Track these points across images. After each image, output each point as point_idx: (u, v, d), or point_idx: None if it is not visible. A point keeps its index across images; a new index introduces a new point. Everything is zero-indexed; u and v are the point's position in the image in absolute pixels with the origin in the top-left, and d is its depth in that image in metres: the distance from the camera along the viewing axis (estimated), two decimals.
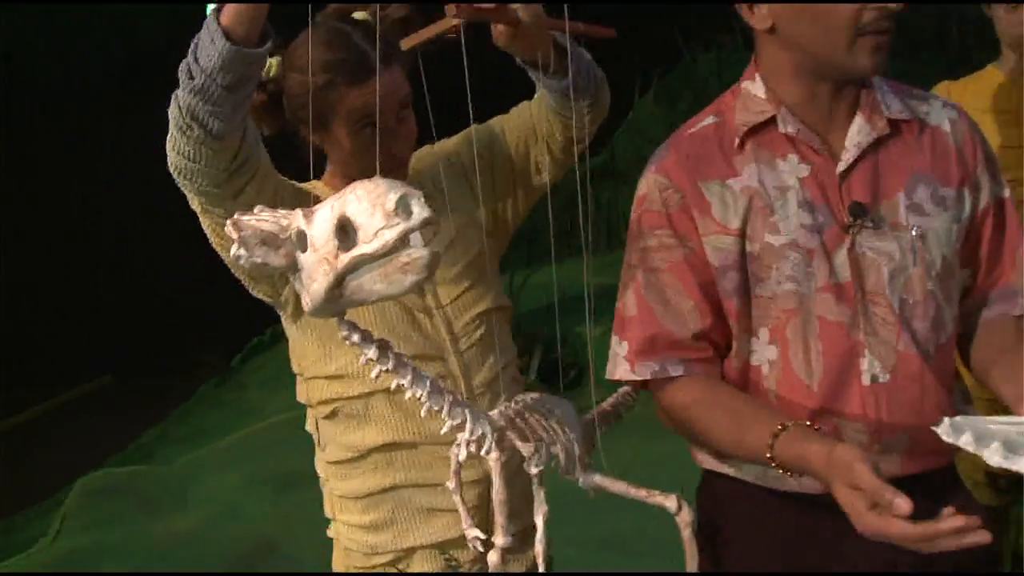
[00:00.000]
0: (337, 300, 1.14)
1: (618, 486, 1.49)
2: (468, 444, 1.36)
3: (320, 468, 1.75)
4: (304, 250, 1.14)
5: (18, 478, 4.90)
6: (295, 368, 1.72)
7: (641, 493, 1.49)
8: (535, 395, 1.50)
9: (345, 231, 1.11)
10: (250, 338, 6.24)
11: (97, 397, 6.26)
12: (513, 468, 1.39)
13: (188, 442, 5.11)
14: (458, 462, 1.41)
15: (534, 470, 1.40)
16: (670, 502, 1.48)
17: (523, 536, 1.52)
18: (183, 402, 5.79)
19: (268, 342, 6.24)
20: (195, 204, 1.54)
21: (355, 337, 1.23)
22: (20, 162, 6.47)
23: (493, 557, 1.40)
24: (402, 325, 1.63)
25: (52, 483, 4.80)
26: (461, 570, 1.69)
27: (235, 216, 1.14)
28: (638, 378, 1.52)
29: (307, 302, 1.14)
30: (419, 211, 1.07)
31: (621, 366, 1.53)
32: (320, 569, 3.47)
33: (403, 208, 1.07)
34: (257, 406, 5.49)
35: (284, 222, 1.16)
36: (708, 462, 1.58)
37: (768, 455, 1.34)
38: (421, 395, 1.29)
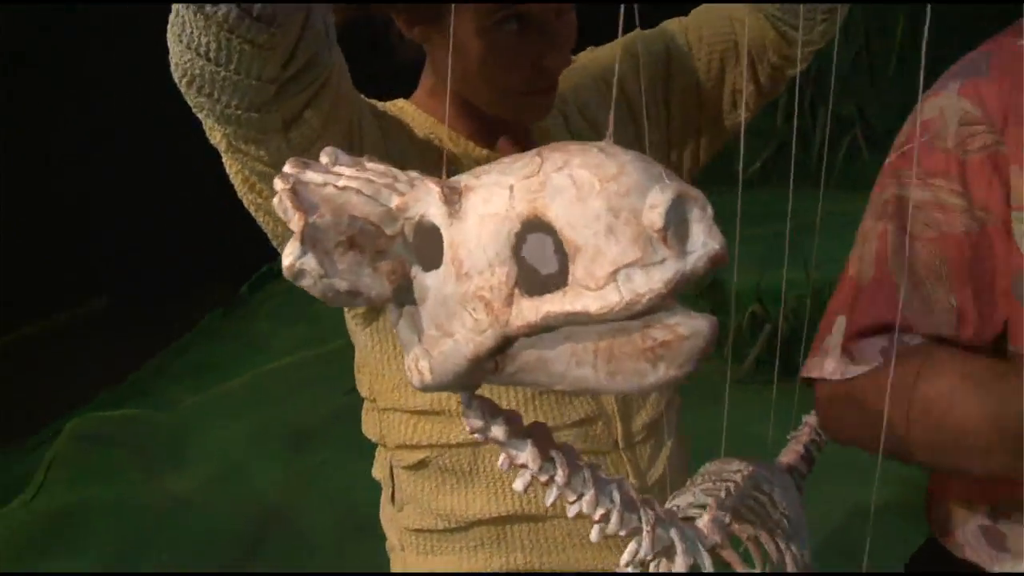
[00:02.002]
0: (484, 375, 0.57)
1: None
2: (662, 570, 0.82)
3: (391, 531, 1.21)
4: (430, 267, 0.58)
5: None
6: (364, 391, 1.17)
7: None
8: (741, 465, 0.95)
9: (532, 250, 0.54)
10: (259, 265, 5.66)
11: (89, 322, 5.65)
12: None
13: (189, 380, 4.59)
14: None
15: None
16: None
17: None
18: (185, 332, 5.25)
19: (279, 271, 5.67)
20: (216, 136, 0.95)
21: (497, 431, 0.65)
22: None
23: None
24: None
25: (35, 420, 4.28)
26: None
27: (288, 169, 0.58)
28: (863, 368, 0.97)
29: (422, 369, 0.57)
30: (703, 238, 0.51)
31: (829, 356, 1.00)
32: (332, 547, 3.02)
33: (677, 226, 0.51)
34: (265, 341, 4.98)
35: (393, 199, 0.58)
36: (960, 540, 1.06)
37: None
38: (605, 516, 0.71)
